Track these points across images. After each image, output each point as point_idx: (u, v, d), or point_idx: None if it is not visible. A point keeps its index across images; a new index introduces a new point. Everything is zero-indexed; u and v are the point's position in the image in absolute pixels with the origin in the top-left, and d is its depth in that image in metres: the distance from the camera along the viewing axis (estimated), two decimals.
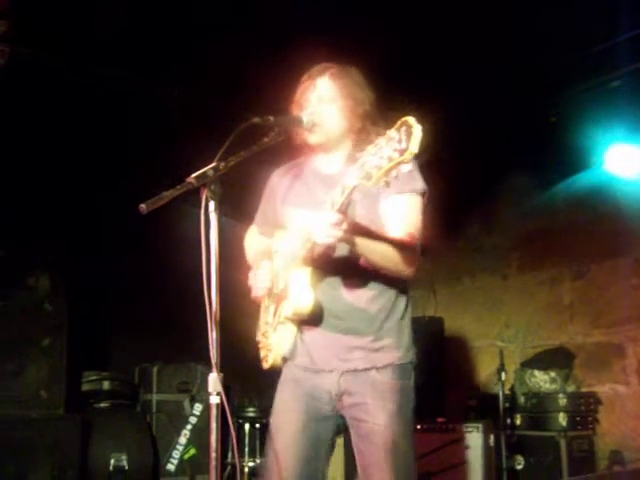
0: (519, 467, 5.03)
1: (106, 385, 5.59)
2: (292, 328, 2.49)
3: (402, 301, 2.49)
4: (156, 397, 5.67)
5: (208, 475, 2.00)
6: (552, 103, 4.78)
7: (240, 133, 2.13)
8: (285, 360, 2.53)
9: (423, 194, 2.43)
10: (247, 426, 5.72)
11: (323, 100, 2.46)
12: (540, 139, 5.04)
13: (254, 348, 2.69)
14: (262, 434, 5.48)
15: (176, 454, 5.60)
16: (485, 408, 5.46)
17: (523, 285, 6.11)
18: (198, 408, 5.75)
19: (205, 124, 4.46)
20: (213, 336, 2.00)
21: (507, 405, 5.18)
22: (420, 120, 1.77)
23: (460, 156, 5.23)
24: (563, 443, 4.95)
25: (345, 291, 2.42)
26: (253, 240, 2.86)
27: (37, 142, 4.84)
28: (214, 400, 1.99)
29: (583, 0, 3.71)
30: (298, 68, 2.60)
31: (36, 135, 4.76)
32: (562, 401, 5.12)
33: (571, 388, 5.46)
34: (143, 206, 1.97)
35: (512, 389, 5.56)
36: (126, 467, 5.08)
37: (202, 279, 2.00)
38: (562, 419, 5.05)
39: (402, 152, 1.77)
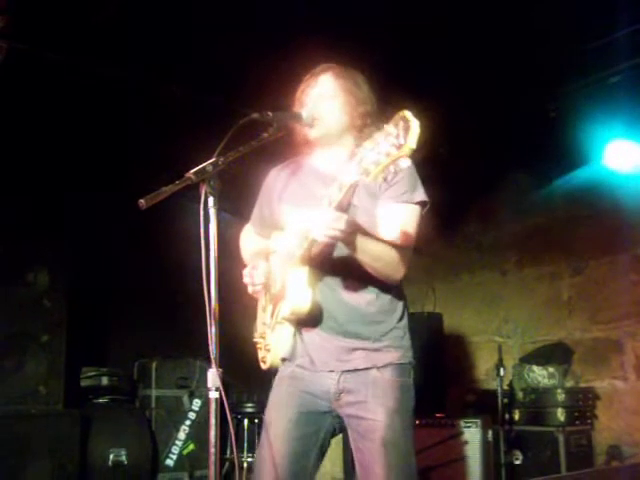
0: (517, 462, 5.05)
1: (105, 381, 5.59)
2: (290, 328, 2.47)
3: (400, 302, 2.48)
4: (155, 392, 5.67)
5: (207, 470, 2.00)
6: (551, 99, 4.77)
7: (239, 129, 2.13)
8: (284, 361, 2.52)
9: (423, 205, 2.41)
10: (246, 421, 5.73)
11: (324, 96, 2.45)
12: (539, 135, 5.03)
13: (253, 345, 2.68)
14: (260, 430, 5.48)
15: (175, 449, 5.61)
16: (484, 403, 5.47)
17: (522, 281, 6.12)
18: (197, 403, 5.76)
19: (204, 120, 4.45)
20: (212, 331, 2.00)
21: (505, 400, 5.18)
22: (418, 116, 1.75)
23: (458, 152, 5.24)
24: (561, 438, 4.97)
25: (344, 292, 2.40)
26: (249, 240, 2.83)
27: (36, 138, 4.83)
28: (213, 395, 1.99)
29: None
30: (299, 65, 2.59)
31: (35, 131, 4.75)
32: (560, 396, 5.13)
33: (569, 383, 5.47)
34: (142, 201, 1.97)
35: (511, 384, 5.57)
36: (125, 462, 5.08)
37: (201, 274, 1.99)
38: (560, 414, 5.06)
39: (400, 147, 1.76)
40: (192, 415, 5.74)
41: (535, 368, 5.50)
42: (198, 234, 2.01)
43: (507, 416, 5.18)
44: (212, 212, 2.03)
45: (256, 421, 5.66)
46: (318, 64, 2.56)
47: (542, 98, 4.76)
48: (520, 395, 5.46)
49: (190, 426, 5.70)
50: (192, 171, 2.02)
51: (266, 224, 2.69)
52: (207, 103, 4.54)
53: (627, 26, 3.94)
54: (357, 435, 2.38)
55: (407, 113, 1.77)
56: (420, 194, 2.40)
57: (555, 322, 5.79)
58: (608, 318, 5.42)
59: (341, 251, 2.34)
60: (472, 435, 4.87)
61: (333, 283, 2.41)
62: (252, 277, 2.55)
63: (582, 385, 5.46)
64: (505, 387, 5.30)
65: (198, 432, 5.66)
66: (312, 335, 2.44)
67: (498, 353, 5.21)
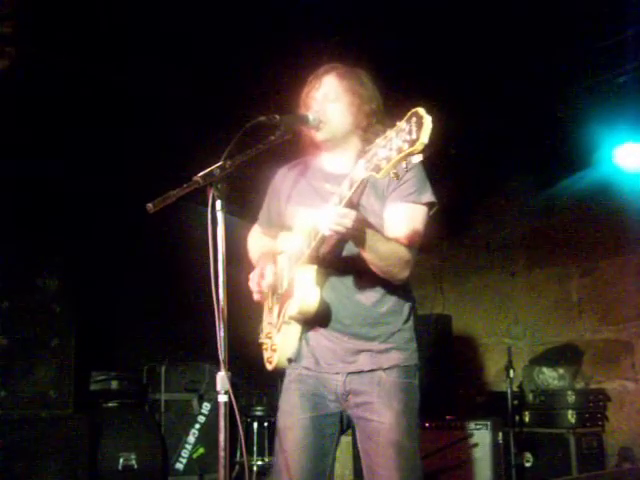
0: (528, 464, 5.03)
1: (114, 385, 5.60)
2: (297, 328, 2.45)
3: (407, 304, 2.47)
4: (164, 396, 5.67)
5: (217, 474, 2.00)
6: (559, 99, 4.76)
7: (246, 132, 2.13)
8: (290, 361, 2.51)
9: (430, 206, 2.40)
10: (255, 425, 5.73)
11: (329, 98, 2.45)
12: (547, 135, 5.02)
13: (259, 346, 2.67)
14: (270, 433, 5.49)
15: (185, 453, 5.61)
16: (493, 405, 5.46)
17: (531, 282, 6.11)
18: (206, 407, 5.76)
19: (211, 124, 4.46)
20: (221, 334, 2.00)
21: (515, 402, 5.17)
22: (429, 113, 1.74)
23: (467, 154, 5.23)
24: (572, 440, 4.95)
25: (352, 292, 2.39)
26: (256, 240, 2.83)
27: (44, 143, 4.84)
28: (222, 399, 1.99)
29: None
30: (305, 68, 2.59)
31: (42, 136, 4.76)
32: (571, 398, 5.11)
33: (580, 385, 5.45)
34: (150, 205, 1.97)
35: (520, 386, 5.56)
36: (135, 466, 5.09)
37: (209, 278, 1.99)
38: (571, 416, 5.04)
39: (412, 143, 1.75)
40: (201, 419, 5.73)
41: (545, 369, 5.48)
42: (206, 237, 2.01)
43: (517, 418, 5.17)
44: (220, 215, 2.03)
45: (266, 424, 5.66)
46: (323, 64, 2.56)
47: (550, 98, 4.74)
48: (530, 397, 5.45)
49: (200, 430, 5.70)
50: (199, 174, 2.03)
51: (273, 224, 2.69)
52: (214, 107, 4.54)
53: (635, 26, 3.93)
54: (364, 437, 2.38)
55: (420, 109, 1.76)
56: (428, 195, 2.40)
57: (565, 323, 5.78)
58: (618, 319, 5.40)
59: (349, 251, 2.34)
60: (482, 437, 4.85)
61: (341, 283, 2.40)
62: (259, 285, 2.54)
63: (592, 386, 5.44)
64: (515, 389, 5.29)
65: (208, 435, 5.66)
66: (318, 336, 2.43)
67: (508, 355, 5.19)
